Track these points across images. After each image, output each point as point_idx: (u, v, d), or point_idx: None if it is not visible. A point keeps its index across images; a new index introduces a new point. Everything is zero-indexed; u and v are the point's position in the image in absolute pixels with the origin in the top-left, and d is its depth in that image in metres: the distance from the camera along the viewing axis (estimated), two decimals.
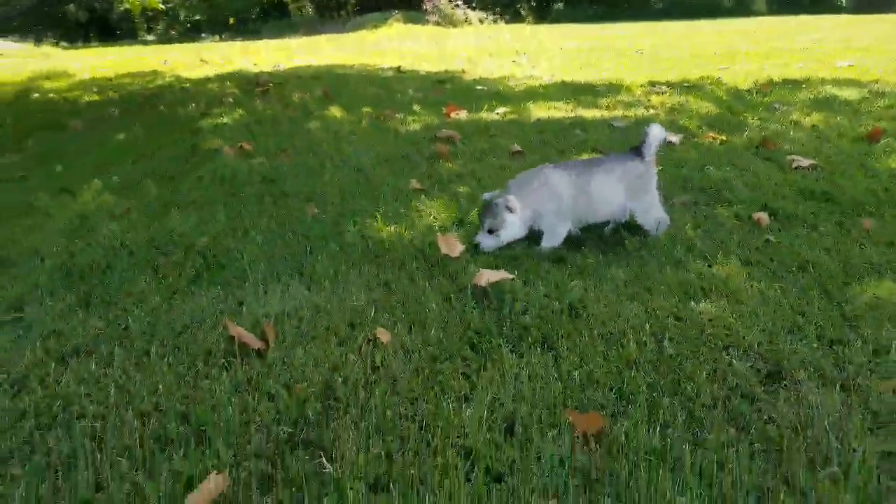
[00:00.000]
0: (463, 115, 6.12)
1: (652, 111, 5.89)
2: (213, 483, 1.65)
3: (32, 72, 11.64)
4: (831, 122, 5.08)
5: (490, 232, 2.86)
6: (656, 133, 2.95)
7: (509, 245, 2.94)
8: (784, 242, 2.85)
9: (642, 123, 5.26)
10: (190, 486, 1.65)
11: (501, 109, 6.21)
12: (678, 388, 1.92)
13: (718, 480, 1.57)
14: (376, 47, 14.63)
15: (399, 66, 10.21)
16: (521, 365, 2.07)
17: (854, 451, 1.63)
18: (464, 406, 1.89)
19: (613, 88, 7.20)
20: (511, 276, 2.60)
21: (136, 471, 1.70)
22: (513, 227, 2.88)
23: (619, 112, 5.89)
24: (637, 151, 2.94)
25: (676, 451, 1.68)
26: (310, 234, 3.21)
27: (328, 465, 1.69)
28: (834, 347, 2.08)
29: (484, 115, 6.03)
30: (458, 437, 1.77)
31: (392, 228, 3.21)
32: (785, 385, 1.92)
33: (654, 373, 2.00)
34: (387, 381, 2.02)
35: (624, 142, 4.65)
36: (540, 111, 6.07)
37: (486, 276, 2.58)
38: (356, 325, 2.36)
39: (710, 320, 2.25)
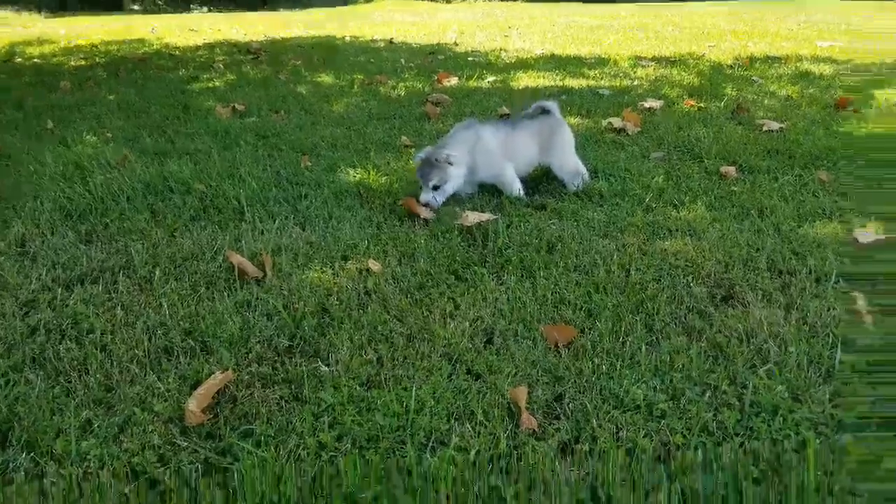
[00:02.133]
0: (454, 81, 6.26)
1: (636, 82, 6.06)
2: (218, 378, 1.82)
3: (13, 39, 11.46)
4: (804, 93, 5.28)
5: (435, 188, 2.91)
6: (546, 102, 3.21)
7: (488, 194, 3.10)
8: (745, 191, 3.05)
9: (625, 92, 5.45)
10: (195, 387, 1.81)
11: (491, 78, 6.36)
12: (641, 308, 2.12)
13: (669, 377, 1.77)
14: (368, 20, 14.64)
15: (391, 39, 10.28)
16: (500, 290, 2.25)
17: (789, 352, 1.84)
18: (448, 321, 2.07)
19: (601, 62, 7.37)
20: (495, 217, 2.78)
21: (144, 375, 1.86)
22: (457, 179, 2.95)
23: (605, 82, 6.06)
24: (544, 112, 3.17)
25: (634, 352, 1.87)
26: (303, 181, 3.37)
27: (324, 367, 1.86)
28: (782, 276, 2.29)
29: (473, 82, 6.18)
30: (443, 346, 1.95)
31: (383, 179, 3.37)
32: (734, 304, 2.12)
33: (619, 295, 2.20)
34: (378, 302, 2.20)
35: (607, 107, 4.84)
36: (528, 80, 6.23)
37: (472, 217, 2.76)
38: (349, 257, 2.53)
39: (673, 254, 2.45)
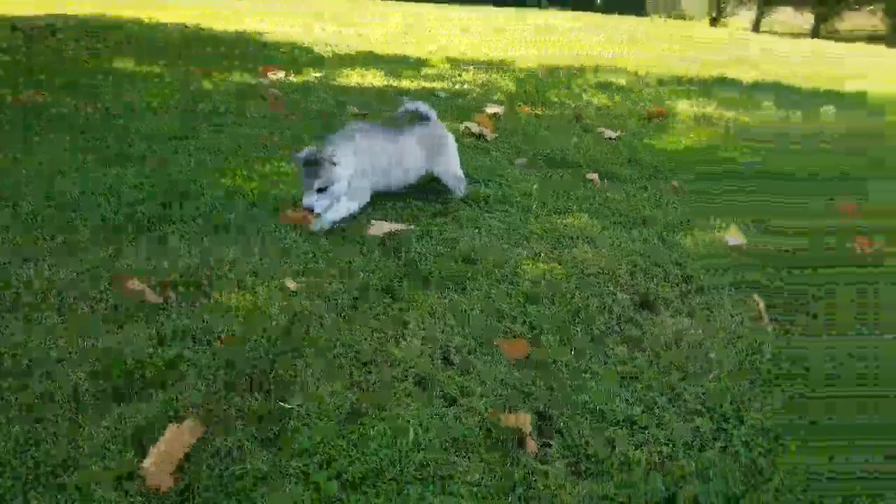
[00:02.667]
0: (280, 75, 5.99)
1: (466, 85, 6.25)
2: (184, 432, 1.58)
3: None
4: (616, 102, 5.84)
5: (320, 190, 2.65)
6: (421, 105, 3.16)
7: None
8: (622, 199, 3.32)
9: (460, 95, 5.62)
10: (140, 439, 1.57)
11: (317, 73, 6.18)
12: (577, 317, 2.22)
13: (633, 387, 1.89)
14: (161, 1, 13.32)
15: (195, 24, 9.48)
16: (441, 304, 2.22)
17: (715, 358, 2.04)
18: (400, 341, 2.00)
19: (420, 62, 7.49)
20: (407, 226, 2.73)
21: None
22: (342, 180, 2.70)
23: (437, 84, 6.18)
24: (424, 118, 3.12)
25: (589, 365, 1.97)
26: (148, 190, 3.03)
27: (289, 404, 1.71)
28: (680, 284, 2.53)
29: (300, 78, 5.97)
30: (408, 368, 1.88)
31: (253, 184, 3.15)
32: (655, 311, 2.31)
33: (552, 305, 2.28)
34: (317, 325, 2.06)
35: (447, 109, 4.95)
36: (357, 77, 6.16)
37: (382, 227, 2.68)
38: (258, 275, 2.33)
39: (582, 261, 2.59)
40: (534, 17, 15.66)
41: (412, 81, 6.14)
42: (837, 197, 3.42)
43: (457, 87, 6.13)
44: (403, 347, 1.98)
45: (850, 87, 8.41)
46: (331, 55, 7.62)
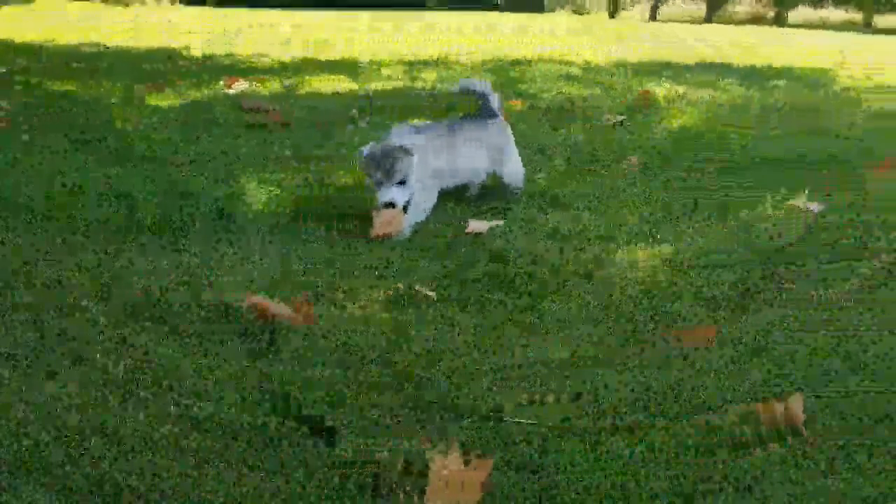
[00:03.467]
0: (244, 86, 5.67)
1: (444, 84, 6.09)
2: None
3: None
4: (594, 90, 5.86)
5: (401, 183, 2.43)
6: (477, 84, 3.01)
7: None
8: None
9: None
10: None
11: (281, 83, 5.89)
12: None
13: None
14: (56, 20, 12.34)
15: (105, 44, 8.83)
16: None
17: None
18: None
19: (375, 64, 7.29)
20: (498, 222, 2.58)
21: None
22: (416, 173, 2.48)
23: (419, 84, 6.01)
24: (488, 111, 2.89)
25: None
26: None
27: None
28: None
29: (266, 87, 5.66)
30: None
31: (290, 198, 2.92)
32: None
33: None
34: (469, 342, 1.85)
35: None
36: (321, 84, 5.91)
37: (477, 225, 2.53)
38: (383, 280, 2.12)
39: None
40: (432, 17, 15.57)
41: (386, 83, 5.93)
42: None
43: (438, 85, 5.94)
44: None
45: (778, 63, 8.87)
46: (276, 64, 7.29)
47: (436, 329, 1.82)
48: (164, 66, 6.93)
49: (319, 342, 1.75)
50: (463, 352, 1.70)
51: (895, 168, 3.30)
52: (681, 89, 5.95)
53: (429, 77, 6.50)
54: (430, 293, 2.04)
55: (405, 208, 2.50)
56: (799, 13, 20.76)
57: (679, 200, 2.91)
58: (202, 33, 10.57)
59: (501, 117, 2.97)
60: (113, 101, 5.06)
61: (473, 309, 1.95)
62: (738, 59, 9.06)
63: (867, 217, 2.72)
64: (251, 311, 1.82)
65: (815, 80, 7.17)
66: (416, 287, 2.04)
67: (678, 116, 4.62)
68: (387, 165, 2.39)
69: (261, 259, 2.26)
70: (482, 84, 2.99)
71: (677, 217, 2.71)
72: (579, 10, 27.60)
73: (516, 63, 7.86)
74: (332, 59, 7.85)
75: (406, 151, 2.42)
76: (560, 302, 2.00)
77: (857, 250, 2.42)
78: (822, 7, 20.37)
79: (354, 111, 4.59)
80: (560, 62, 8.06)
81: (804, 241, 2.46)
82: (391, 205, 2.40)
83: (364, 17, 16.63)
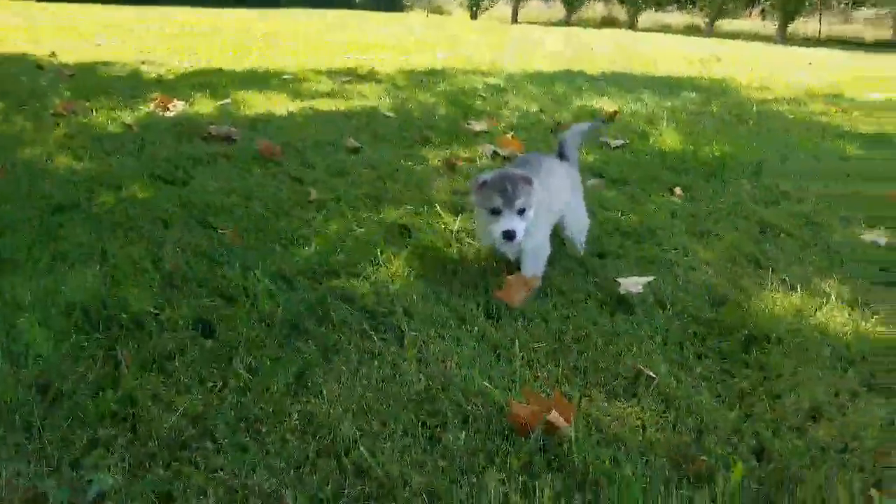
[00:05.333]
0: (180, 106, 5.01)
1: (396, 101, 5.77)
2: None
3: None
4: (544, 105, 5.81)
5: (520, 212, 2.18)
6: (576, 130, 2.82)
7: None
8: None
9: (409, 115, 5.15)
10: None
11: (217, 102, 5.29)
12: None
13: None
14: None
15: None
16: None
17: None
18: None
19: (293, 77, 6.78)
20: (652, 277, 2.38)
21: None
22: (534, 207, 2.24)
23: (368, 103, 5.62)
24: (561, 154, 2.67)
25: None
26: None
27: None
28: None
29: (202, 108, 5.04)
30: None
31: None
32: None
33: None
34: None
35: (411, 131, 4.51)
36: (263, 101, 5.38)
37: (633, 282, 2.31)
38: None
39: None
40: (297, 15, 15.06)
41: (331, 101, 5.50)
42: None
43: (391, 103, 5.61)
44: None
45: (662, 68, 9.42)
46: (190, 76, 6.59)
47: None
48: (41, 79, 5.97)
49: None
50: None
51: None
52: (628, 105, 6.04)
53: (366, 91, 6.13)
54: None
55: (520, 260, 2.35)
56: (646, 17, 22.26)
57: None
58: (49, 32, 9.36)
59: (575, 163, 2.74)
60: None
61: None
62: (637, 66, 9.50)
63: None
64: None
65: (719, 89, 7.61)
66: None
67: (667, 135, 4.65)
68: (508, 192, 2.15)
69: None
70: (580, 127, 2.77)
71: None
72: (437, 11, 27.88)
73: (432, 73, 7.66)
74: (254, 69, 7.24)
75: (528, 181, 2.19)
76: None
77: None
78: (665, 11, 21.95)
79: (350, 138, 4.14)
80: (476, 72, 7.95)
81: None
82: (511, 235, 2.15)
83: (227, 14, 15.66)
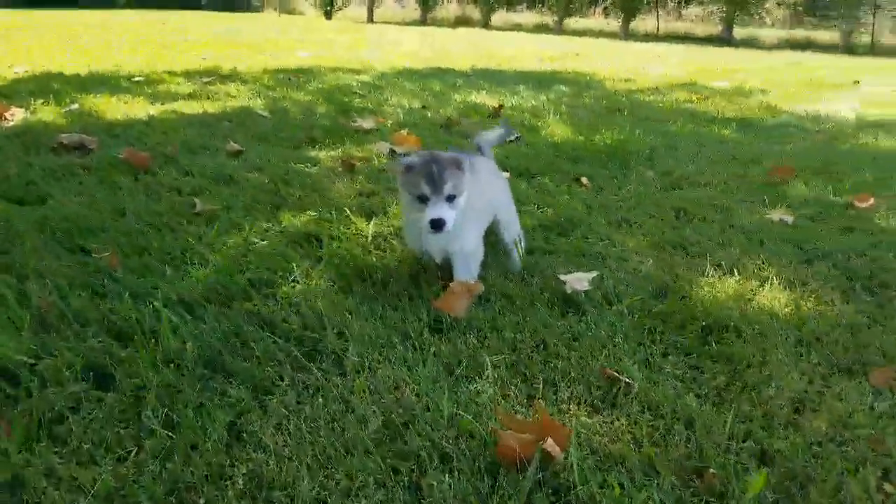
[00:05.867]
0: (18, 115, 4.35)
1: (271, 100, 5.37)
2: None
3: None
4: (429, 102, 5.66)
5: (450, 199, 1.94)
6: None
7: None
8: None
9: (287, 114, 4.81)
10: None
11: (66, 107, 4.67)
12: None
13: None
14: None
15: None
16: None
17: None
18: None
19: (151, 80, 6.17)
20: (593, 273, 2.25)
21: None
22: (465, 195, 2.01)
23: (239, 103, 5.18)
24: (478, 149, 2.50)
25: None
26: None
27: None
28: None
29: (46, 115, 4.42)
30: None
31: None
32: None
33: None
34: None
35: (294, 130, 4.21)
36: (120, 107, 4.82)
37: (577, 280, 2.17)
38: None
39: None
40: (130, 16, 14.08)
41: (196, 103, 5.02)
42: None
43: (264, 103, 5.21)
44: None
45: (521, 63, 9.63)
46: (5, 81, 5.82)
47: None
48: None
49: None
50: None
51: None
52: (507, 99, 6.02)
53: (233, 91, 5.68)
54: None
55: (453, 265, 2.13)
56: (498, 16, 22.81)
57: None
58: None
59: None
60: None
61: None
62: (503, 63, 9.60)
63: None
64: None
65: (586, 82, 7.84)
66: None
67: (556, 127, 4.63)
68: (435, 177, 1.91)
69: None
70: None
71: None
72: (289, 11, 27.01)
73: (300, 72, 7.31)
74: (99, 72, 6.51)
75: (458, 164, 1.96)
76: None
77: None
78: (516, 11, 22.61)
79: (230, 140, 3.74)
80: (347, 70, 7.69)
81: None
82: (439, 224, 1.90)
83: (61, 15, 14.34)
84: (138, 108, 4.75)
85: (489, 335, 1.90)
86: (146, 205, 2.83)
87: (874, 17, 15.21)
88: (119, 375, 1.65)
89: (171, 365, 1.70)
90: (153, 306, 1.92)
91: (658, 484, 1.36)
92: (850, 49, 15.08)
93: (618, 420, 1.57)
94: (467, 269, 2.14)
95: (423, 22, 22.38)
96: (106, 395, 1.57)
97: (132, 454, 1.40)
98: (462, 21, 22.82)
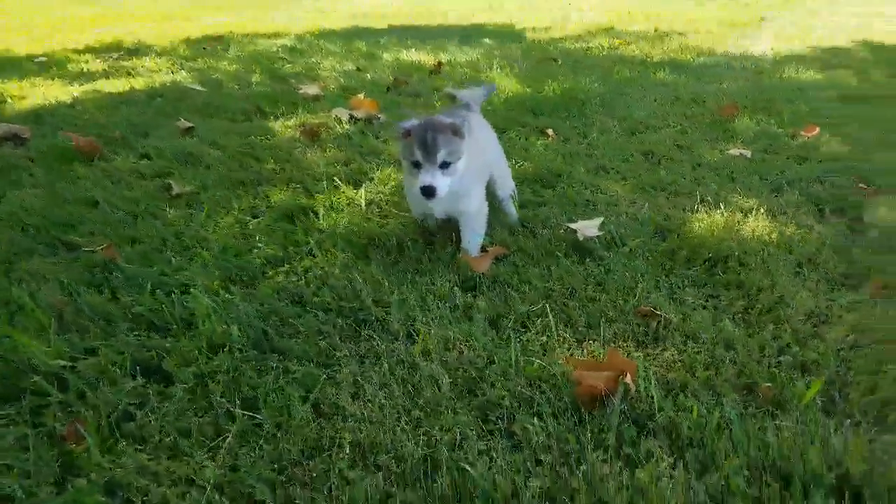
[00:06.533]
0: None
1: (194, 72, 5.12)
2: None
3: None
4: (361, 65, 5.57)
5: (444, 166, 1.94)
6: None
7: None
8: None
9: (221, 87, 4.64)
10: None
11: None
12: None
13: None
14: None
15: None
16: None
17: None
18: None
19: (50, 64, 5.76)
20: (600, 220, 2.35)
21: None
22: (464, 159, 2.00)
23: (172, 77, 4.91)
24: (467, 106, 2.44)
25: None
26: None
27: None
28: None
29: None
30: None
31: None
32: None
33: None
34: None
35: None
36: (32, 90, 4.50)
37: (586, 227, 2.27)
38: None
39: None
40: None
41: (118, 81, 4.74)
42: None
43: (191, 76, 4.97)
44: None
45: (451, 19, 9.56)
46: None
47: None
48: None
49: None
50: None
51: None
52: (440, 55, 5.99)
53: (151, 65, 5.40)
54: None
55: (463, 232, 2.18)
56: None
57: None
58: None
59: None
60: None
61: None
62: (420, 19, 9.48)
63: None
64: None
65: (509, 35, 7.87)
66: None
67: (501, 81, 4.67)
68: (429, 144, 1.91)
69: None
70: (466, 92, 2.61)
71: None
72: None
73: (215, 40, 6.97)
74: None
75: (456, 130, 1.96)
76: None
77: None
78: None
79: (181, 118, 3.58)
80: (263, 35, 7.40)
81: None
82: (430, 191, 1.91)
83: None
84: (58, 91, 4.44)
85: (520, 287, 1.96)
86: (116, 192, 2.70)
87: None
88: (169, 367, 1.61)
89: (222, 350, 1.68)
90: (194, 292, 1.86)
91: (723, 402, 1.48)
92: None
93: (666, 351, 1.68)
94: (474, 229, 2.19)
95: None
96: (167, 388, 1.54)
97: (220, 440, 1.39)
98: None
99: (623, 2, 12.44)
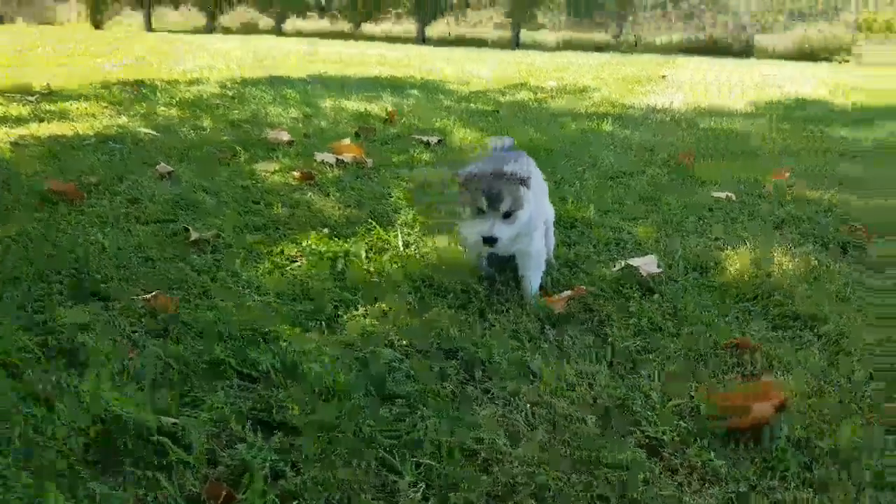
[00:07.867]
0: None
1: (160, 120, 4.85)
2: None
3: None
4: (299, 112, 5.51)
5: (507, 216, 1.95)
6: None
7: None
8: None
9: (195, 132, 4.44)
10: None
11: None
12: None
13: None
14: None
15: None
16: None
17: None
18: None
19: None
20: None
21: None
22: (527, 208, 2.01)
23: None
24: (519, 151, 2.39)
25: None
26: None
27: None
28: None
29: None
30: None
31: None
32: None
33: None
34: None
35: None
36: None
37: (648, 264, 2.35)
38: None
39: None
40: None
41: (58, 126, 4.42)
42: None
43: (136, 123, 4.71)
44: None
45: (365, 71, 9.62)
46: None
47: None
48: None
49: None
50: None
51: None
52: (382, 105, 6.01)
53: (89, 110, 5.08)
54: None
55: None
56: (290, 23, 22.37)
57: None
58: None
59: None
60: None
61: None
62: (335, 69, 9.43)
63: None
64: None
65: (434, 87, 8.01)
66: None
67: (458, 131, 4.76)
68: (494, 192, 1.92)
69: None
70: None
71: None
72: (48, 21, 24.03)
73: (138, 84, 6.64)
74: None
75: (523, 181, 1.98)
76: None
77: None
78: (307, 18, 22.35)
79: (161, 163, 3.38)
80: (184, 82, 7.11)
81: None
82: (492, 241, 1.94)
83: None
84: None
85: (611, 324, 1.99)
86: (128, 240, 2.49)
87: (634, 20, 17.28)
88: (295, 422, 1.49)
89: (333, 398, 1.58)
90: (263, 341, 1.74)
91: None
92: (622, 47, 16.88)
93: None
94: (533, 268, 2.20)
95: (210, 30, 21.26)
96: (297, 440, 1.43)
97: (398, 492, 1.30)
98: (251, 28, 22.04)
99: (523, 58, 12.97)
